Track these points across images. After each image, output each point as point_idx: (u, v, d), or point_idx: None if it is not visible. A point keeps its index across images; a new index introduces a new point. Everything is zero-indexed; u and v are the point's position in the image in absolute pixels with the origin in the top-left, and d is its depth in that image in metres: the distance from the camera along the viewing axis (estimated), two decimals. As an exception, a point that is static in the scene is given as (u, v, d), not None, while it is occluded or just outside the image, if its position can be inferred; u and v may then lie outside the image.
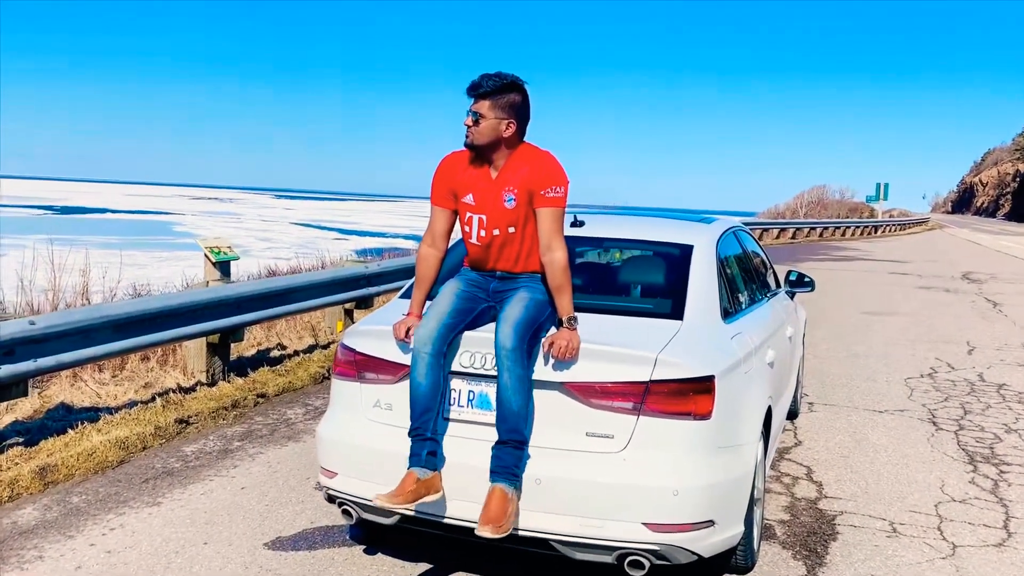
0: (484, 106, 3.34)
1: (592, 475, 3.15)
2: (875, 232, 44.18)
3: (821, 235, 36.42)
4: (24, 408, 5.99)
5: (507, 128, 3.36)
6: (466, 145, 3.42)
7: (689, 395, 3.17)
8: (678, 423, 3.16)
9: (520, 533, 3.21)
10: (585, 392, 3.20)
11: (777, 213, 47.06)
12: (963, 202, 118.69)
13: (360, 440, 3.49)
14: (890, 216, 55.64)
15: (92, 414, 5.81)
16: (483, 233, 3.46)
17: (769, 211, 48.90)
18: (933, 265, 23.42)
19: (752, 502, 3.55)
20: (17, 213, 58.34)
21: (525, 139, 3.47)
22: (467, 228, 3.52)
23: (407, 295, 3.81)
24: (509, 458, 3.18)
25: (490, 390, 3.30)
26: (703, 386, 3.20)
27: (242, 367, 7.24)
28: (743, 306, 4.26)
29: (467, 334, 3.37)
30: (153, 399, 6.17)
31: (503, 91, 3.36)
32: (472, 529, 3.16)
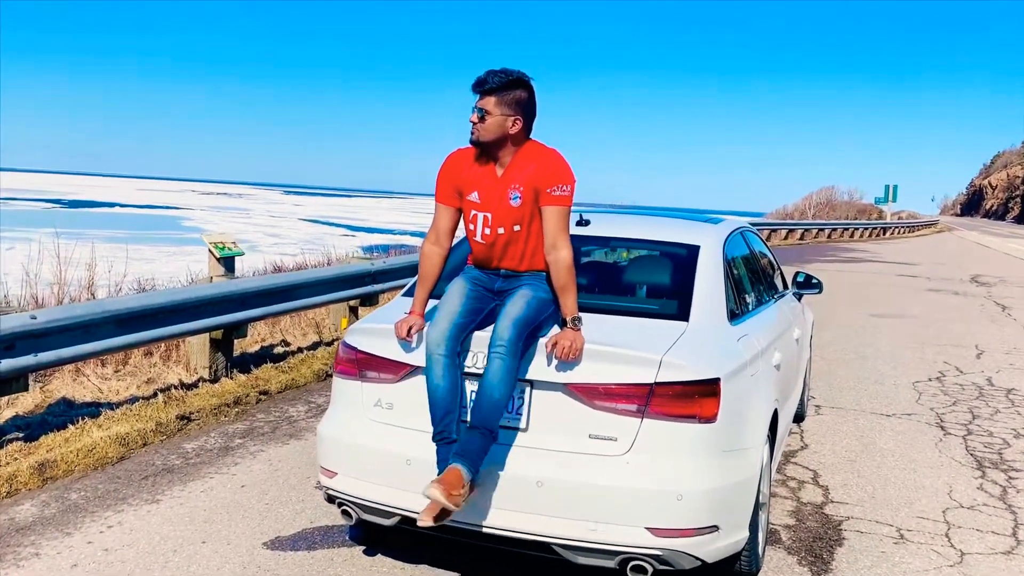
0: (490, 102, 3.29)
1: (595, 478, 3.09)
2: (884, 234, 44.01)
3: (829, 236, 36.29)
4: (25, 403, 5.97)
5: (513, 125, 3.31)
6: (472, 142, 3.37)
7: (694, 398, 3.12)
8: (683, 426, 3.11)
9: (521, 536, 3.16)
10: (588, 393, 3.15)
11: (785, 214, 46.91)
12: (972, 205, 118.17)
13: (361, 440, 3.44)
14: (899, 218, 55.44)
15: (93, 409, 5.79)
16: (488, 231, 3.40)
17: (777, 212, 48.77)
18: (942, 268, 23.31)
19: (757, 507, 3.50)
20: (26, 206, 58.54)
21: (531, 136, 3.42)
22: (472, 226, 3.46)
23: (410, 293, 3.76)
24: (476, 443, 3.08)
25: None
26: (708, 389, 3.15)
27: (245, 363, 7.21)
28: (750, 308, 4.20)
29: (476, 334, 3.32)
30: (155, 395, 6.14)
31: (509, 87, 3.30)
32: (477, 532, 3.11)
